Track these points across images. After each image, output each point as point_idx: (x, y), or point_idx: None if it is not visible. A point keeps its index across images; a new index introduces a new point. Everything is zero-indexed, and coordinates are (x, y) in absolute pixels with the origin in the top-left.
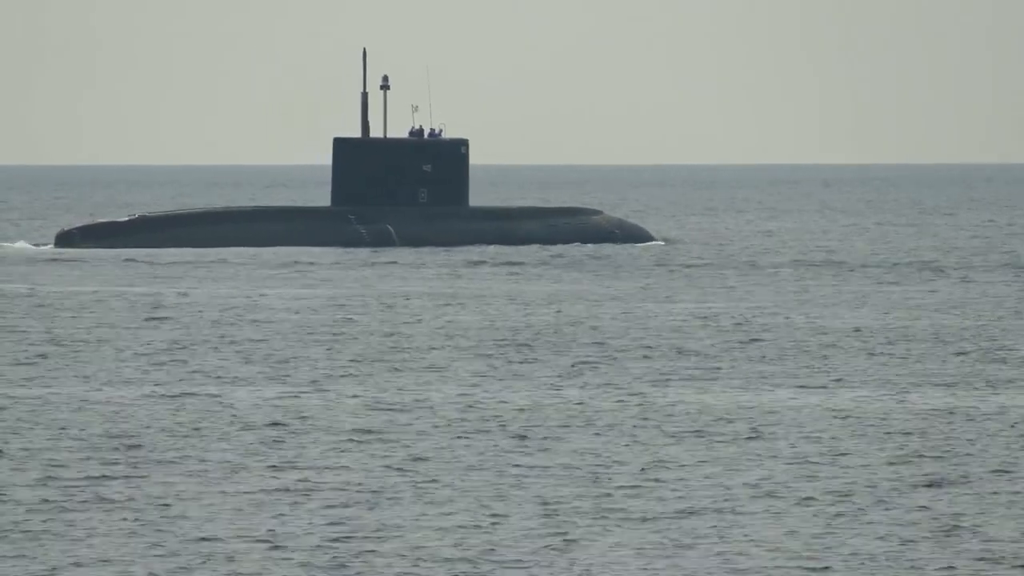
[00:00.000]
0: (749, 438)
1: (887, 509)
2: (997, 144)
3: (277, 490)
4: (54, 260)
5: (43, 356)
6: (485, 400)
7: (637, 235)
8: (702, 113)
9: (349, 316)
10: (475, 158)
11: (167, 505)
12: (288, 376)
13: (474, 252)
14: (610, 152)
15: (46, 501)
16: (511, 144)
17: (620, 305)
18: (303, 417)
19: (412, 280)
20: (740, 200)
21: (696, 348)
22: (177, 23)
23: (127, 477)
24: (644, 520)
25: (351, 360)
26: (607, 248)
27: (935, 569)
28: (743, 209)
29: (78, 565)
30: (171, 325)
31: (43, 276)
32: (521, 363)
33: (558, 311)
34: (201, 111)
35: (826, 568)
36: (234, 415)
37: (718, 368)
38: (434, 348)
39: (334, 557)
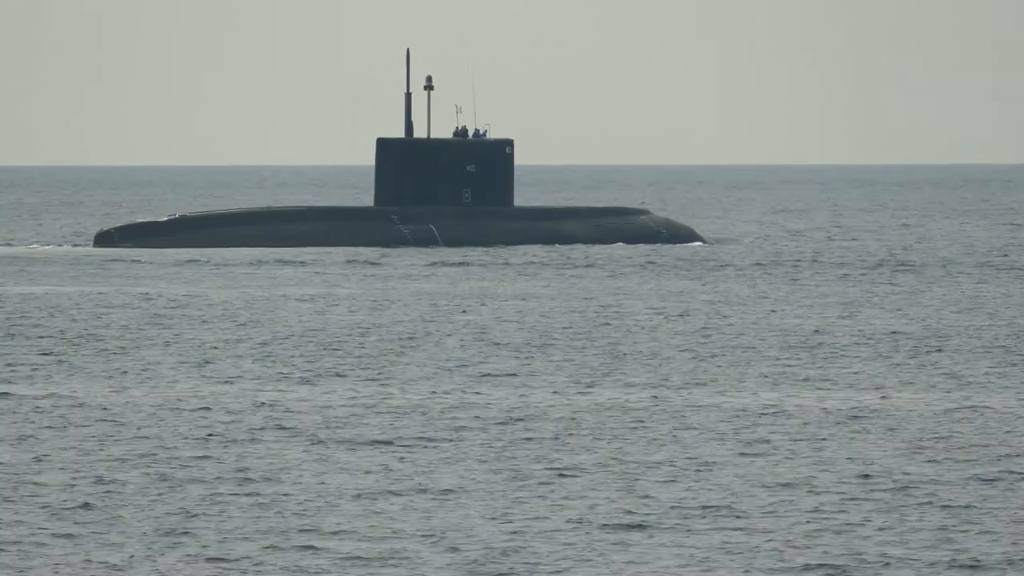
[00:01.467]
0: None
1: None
2: (996, 145)
3: (299, 491)
4: (94, 260)
5: (91, 353)
6: (525, 401)
7: (684, 235)
8: (703, 113)
9: (387, 316)
10: (521, 158)
11: (196, 506)
12: (318, 377)
13: (518, 252)
14: (649, 152)
15: (71, 501)
16: (558, 144)
17: (666, 305)
18: (325, 418)
19: (455, 280)
20: (764, 200)
21: (758, 349)
22: (186, 23)
23: (153, 479)
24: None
25: (385, 361)
26: (654, 248)
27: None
28: (784, 209)
29: (88, 566)
30: (206, 325)
31: (86, 276)
32: (560, 362)
33: (602, 311)
34: (236, 111)
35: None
36: (264, 416)
37: (777, 371)
38: (466, 348)
39: (352, 557)
